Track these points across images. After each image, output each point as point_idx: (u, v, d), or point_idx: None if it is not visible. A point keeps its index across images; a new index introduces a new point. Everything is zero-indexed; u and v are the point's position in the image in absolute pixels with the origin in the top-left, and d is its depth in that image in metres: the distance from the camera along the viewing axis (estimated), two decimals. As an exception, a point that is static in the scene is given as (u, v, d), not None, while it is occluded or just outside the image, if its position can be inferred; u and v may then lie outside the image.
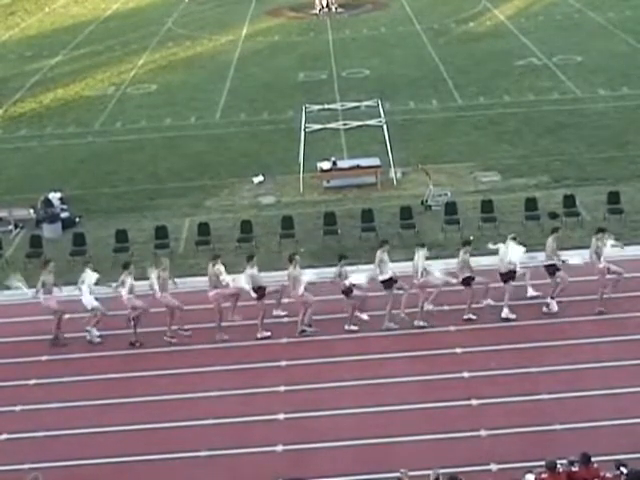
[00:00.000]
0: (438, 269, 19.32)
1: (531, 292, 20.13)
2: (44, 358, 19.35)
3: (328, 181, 27.92)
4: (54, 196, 26.89)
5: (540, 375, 17.53)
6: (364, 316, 19.65)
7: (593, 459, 13.13)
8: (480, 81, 37.63)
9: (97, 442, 16.40)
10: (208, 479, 15.47)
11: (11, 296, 21.35)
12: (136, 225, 25.77)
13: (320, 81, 39.48)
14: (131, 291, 19.35)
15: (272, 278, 20.38)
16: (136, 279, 19.60)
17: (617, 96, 34.58)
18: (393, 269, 19.48)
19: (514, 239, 19.73)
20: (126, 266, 19.70)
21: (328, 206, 25.89)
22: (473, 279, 19.47)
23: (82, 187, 29.20)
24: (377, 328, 19.40)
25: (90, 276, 19.54)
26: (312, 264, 21.47)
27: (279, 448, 15.93)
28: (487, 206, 24.58)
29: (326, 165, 27.90)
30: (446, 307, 19.89)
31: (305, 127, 29.16)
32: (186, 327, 19.70)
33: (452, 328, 19.36)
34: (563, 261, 19.67)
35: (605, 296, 19.48)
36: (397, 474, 13.29)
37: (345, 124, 31.31)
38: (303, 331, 19.46)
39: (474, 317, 19.56)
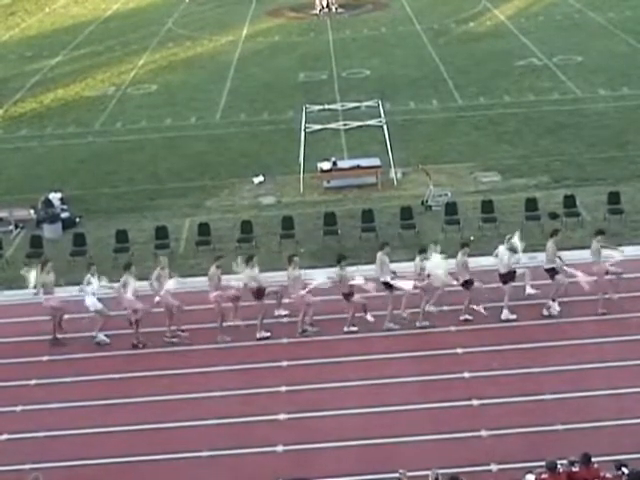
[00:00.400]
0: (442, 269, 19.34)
1: (529, 290, 20.02)
2: (45, 358, 19.35)
3: (328, 181, 27.92)
4: (54, 196, 26.88)
5: (541, 375, 17.53)
6: (369, 317, 19.64)
7: (595, 459, 13.14)
8: (480, 81, 37.62)
9: (98, 442, 16.40)
10: (210, 479, 15.49)
11: (12, 296, 21.37)
12: (136, 225, 25.77)
13: (320, 81, 39.47)
14: (133, 292, 19.33)
15: (272, 278, 20.38)
16: (137, 279, 19.60)
17: (617, 96, 34.58)
18: (394, 270, 19.53)
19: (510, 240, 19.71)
20: (127, 267, 19.70)
21: (328, 206, 25.87)
22: (472, 282, 19.50)
23: (82, 187, 29.19)
24: (378, 328, 19.41)
25: (95, 283, 19.47)
26: (312, 264, 21.48)
27: (280, 448, 15.95)
28: (487, 206, 24.58)
29: (326, 165, 27.89)
30: (446, 307, 19.90)
31: (305, 127, 29.17)
32: (183, 328, 19.67)
33: (453, 328, 19.38)
34: (563, 263, 19.69)
35: (606, 296, 19.50)
36: (396, 474, 13.32)
37: (345, 124, 31.32)
38: (304, 331, 19.46)
39: (470, 318, 19.57)
